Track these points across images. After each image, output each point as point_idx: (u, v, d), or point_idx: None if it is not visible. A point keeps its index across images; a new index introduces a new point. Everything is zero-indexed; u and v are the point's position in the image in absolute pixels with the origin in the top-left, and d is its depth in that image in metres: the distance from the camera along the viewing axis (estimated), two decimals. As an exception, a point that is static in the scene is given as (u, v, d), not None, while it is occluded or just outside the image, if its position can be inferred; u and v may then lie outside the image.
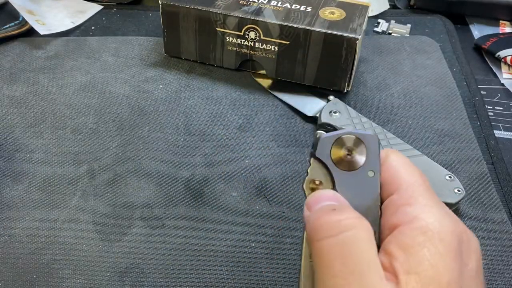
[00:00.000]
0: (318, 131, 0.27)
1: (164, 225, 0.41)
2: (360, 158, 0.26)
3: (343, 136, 0.26)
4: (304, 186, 0.27)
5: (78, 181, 0.44)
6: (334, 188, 0.26)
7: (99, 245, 0.40)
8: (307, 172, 0.27)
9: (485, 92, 0.55)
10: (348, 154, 0.26)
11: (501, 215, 0.43)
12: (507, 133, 0.51)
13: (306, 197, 0.27)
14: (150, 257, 0.39)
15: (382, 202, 0.26)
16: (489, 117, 0.52)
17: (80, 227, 0.41)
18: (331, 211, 0.24)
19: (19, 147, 0.46)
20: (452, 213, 0.25)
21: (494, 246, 0.41)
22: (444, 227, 0.23)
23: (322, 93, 0.52)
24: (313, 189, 0.26)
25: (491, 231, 0.42)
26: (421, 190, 0.25)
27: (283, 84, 0.53)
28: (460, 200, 0.42)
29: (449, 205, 0.42)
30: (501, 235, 0.41)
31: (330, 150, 0.26)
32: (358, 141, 0.26)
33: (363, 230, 0.23)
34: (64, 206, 0.42)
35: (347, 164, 0.26)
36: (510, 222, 0.42)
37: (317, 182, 0.26)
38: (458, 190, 0.42)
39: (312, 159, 0.27)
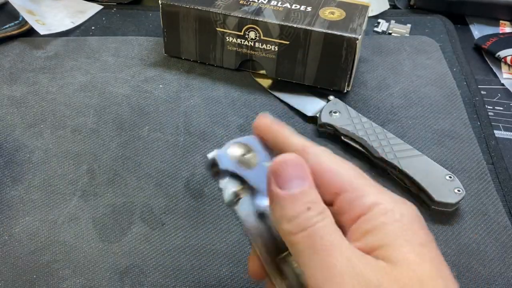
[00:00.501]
0: (208, 154, 0.29)
1: (164, 225, 0.41)
2: (253, 157, 0.28)
3: (231, 146, 0.29)
4: (228, 203, 0.28)
5: (78, 181, 0.44)
6: (252, 191, 0.28)
7: (99, 245, 0.40)
8: (222, 190, 0.28)
9: (485, 92, 0.55)
10: (243, 155, 0.28)
11: (501, 215, 0.43)
12: (507, 133, 0.51)
13: (234, 210, 0.28)
14: (150, 257, 0.39)
15: (330, 204, 0.27)
16: (489, 117, 0.52)
17: (80, 227, 0.40)
18: (307, 210, 0.24)
19: (19, 147, 0.46)
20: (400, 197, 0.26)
21: (494, 246, 0.41)
22: (400, 208, 0.25)
23: (322, 93, 0.52)
24: (238, 199, 0.28)
25: (491, 231, 0.42)
26: (364, 181, 0.26)
27: (283, 84, 0.53)
28: (460, 200, 0.42)
29: (449, 205, 0.42)
30: (501, 235, 0.41)
31: (230, 159, 0.28)
32: (243, 145, 0.29)
33: (329, 219, 0.25)
34: (64, 206, 0.42)
35: (247, 163, 0.28)
36: (510, 222, 0.42)
37: (239, 191, 0.28)
38: (458, 190, 0.42)
39: (220, 177, 0.28)
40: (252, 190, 0.28)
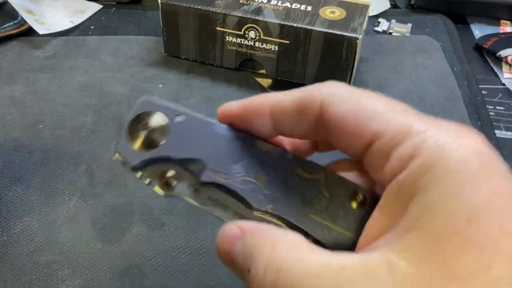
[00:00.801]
0: (113, 157, 0.23)
1: (164, 226, 0.41)
2: (160, 121, 0.23)
3: (128, 128, 0.23)
4: (166, 195, 0.23)
5: (77, 181, 0.43)
6: (182, 162, 0.22)
7: (98, 245, 0.39)
8: (150, 184, 0.22)
9: (486, 92, 0.55)
10: (147, 130, 0.23)
11: (502, 216, 0.42)
12: (508, 133, 0.51)
13: (178, 197, 0.23)
14: (150, 258, 0.39)
15: (360, 154, 0.20)
16: (490, 117, 0.52)
17: (79, 228, 0.40)
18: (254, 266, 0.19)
19: (18, 147, 0.46)
20: (461, 128, 0.19)
21: (495, 246, 0.40)
22: (448, 152, 0.17)
23: (322, 93, 0.51)
24: (168, 185, 0.23)
25: (492, 231, 0.41)
26: (404, 117, 0.19)
27: (283, 84, 0.53)
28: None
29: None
30: (503, 235, 0.41)
31: (133, 147, 0.22)
32: (141, 116, 0.23)
33: (288, 246, 0.19)
34: (63, 207, 0.42)
35: (158, 133, 0.22)
36: (511, 222, 0.42)
37: (170, 175, 0.22)
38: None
39: (141, 170, 0.23)
40: (181, 162, 0.22)
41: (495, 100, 0.55)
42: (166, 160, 0.22)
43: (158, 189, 0.22)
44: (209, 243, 0.40)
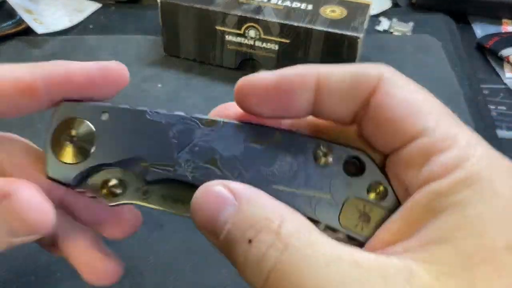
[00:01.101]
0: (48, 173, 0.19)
1: (163, 227, 0.40)
2: (83, 126, 0.20)
3: (50, 148, 0.20)
4: (115, 203, 0.20)
5: (76, 181, 0.43)
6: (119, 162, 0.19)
7: (97, 246, 0.39)
8: (94, 197, 0.20)
9: (487, 92, 0.55)
10: (73, 140, 0.20)
11: (504, 216, 0.42)
12: (510, 133, 0.51)
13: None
14: (149, 259, 0.38)
15: (394, 148, 0.19)
16: (492, 116, 0.51)
17: (78, 229, 0.40)
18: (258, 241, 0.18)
19: (16, 147, 0.45)
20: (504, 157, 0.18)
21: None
22: (496, 174, 0.16)
23: (323, 93, 0.51)
24: (113, 194, 0.20)
25: (494, 232, 0.41)
26: (451, 122, 0.18)
27: (283, 84, 0.53)
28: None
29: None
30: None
31: (63, 163, 0.19)
32: (66, 122, 0.20)
33: (299, 226, 0.18)
34: (61, 207, 0.41)
35: (87, 144, 0.19)
36: None
37: (112, 184, 0.20)
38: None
39: (78, 188, 0.20)
40: (120, 165, 0.20)
41: (496, 99, 0.54)
42: (103, 167, 0.20)
43: (104, 201, 0.20)
44: (208, 244, 0.40)
